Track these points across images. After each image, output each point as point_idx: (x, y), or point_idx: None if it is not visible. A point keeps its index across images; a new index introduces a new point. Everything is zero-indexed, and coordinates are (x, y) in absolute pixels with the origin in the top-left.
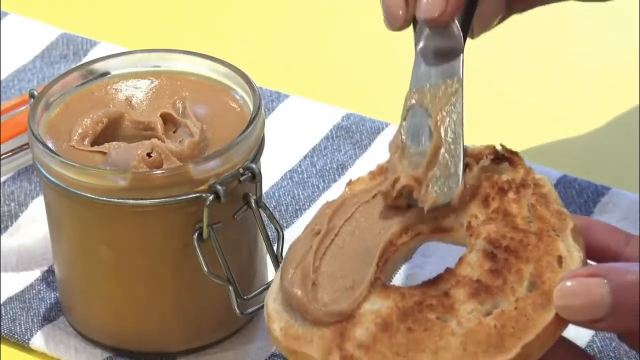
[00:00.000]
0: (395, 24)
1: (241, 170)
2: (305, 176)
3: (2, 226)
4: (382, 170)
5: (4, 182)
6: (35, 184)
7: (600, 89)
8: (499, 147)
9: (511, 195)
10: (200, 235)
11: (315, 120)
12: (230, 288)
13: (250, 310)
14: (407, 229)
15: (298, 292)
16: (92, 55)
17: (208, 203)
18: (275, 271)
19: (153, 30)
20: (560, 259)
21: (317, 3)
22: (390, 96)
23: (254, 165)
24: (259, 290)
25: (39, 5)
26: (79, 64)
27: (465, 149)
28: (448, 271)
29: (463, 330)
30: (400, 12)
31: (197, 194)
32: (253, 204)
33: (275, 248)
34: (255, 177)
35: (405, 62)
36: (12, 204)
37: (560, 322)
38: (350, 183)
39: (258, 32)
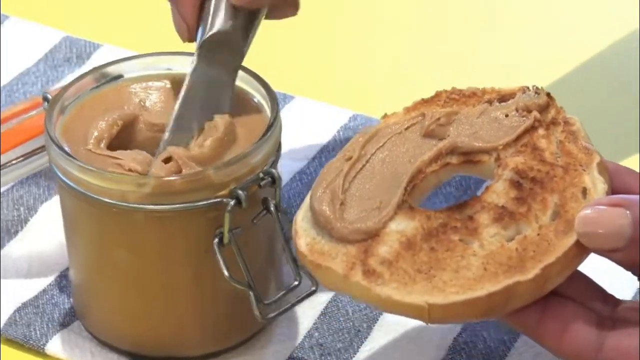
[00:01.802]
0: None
1: (261, 175)
2: (315, 178)
3: (12, 231)
4: (416, 106)
5: (13, 186)
6: (43, 188)
7: (610, 85)
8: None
9: (541, 131)
10: (221, 240)
11: (322, 122)
12: (251, 293)
13: (271, 315)
14: (437, 158)
15: (326, 210)
16: (95, 57)
17: (229, 208)
18: (294, 275)
19: (156, 32)
20: (584, 191)
21: (322, 4)
22: (396, 97)
23: (274, 170)
24: (280, 295)
25: (41, 8)
26: (84, 65)
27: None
28: (474, 198)
29: (485, 252)
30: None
31: (218, 199)
32: (272, 208)
33: (294, 251)
34: (275, 181)
35: (412, 63)
36: (22, 209)
37: (581, 249)
38: (385, 116)
39: (262, 33)
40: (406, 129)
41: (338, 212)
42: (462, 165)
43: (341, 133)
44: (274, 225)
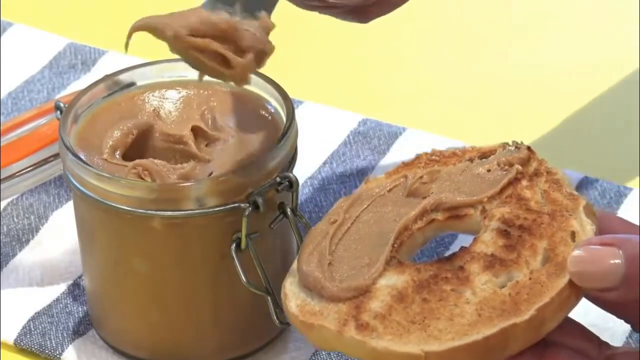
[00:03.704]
0: None
1: (278, 180)
2: (326, 183)
3: (23, 240)
4: (398, 170)
5: (23, 195)
6: (53, 196)
7: (622, 87)
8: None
9: (524, 182)
10: (238, 245)
11: (332, 127)
12: (269, 298)
13: (288, 320)
14: (422, 214)
15: (314, 271)
16: (100, 64)
17: (247, 213)
18: None
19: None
20: (573, 235)
21: None
22: (406, 100)
23: (291, 174)
24: None
25: (45, 15)
26: (89, 72)
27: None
28: (463, 249)
29: (477, 299)
30: None
31: (236, 204)
32: (289, 213)
33: None
34: (292, 185)
35: (422, 66)
36: (32, 217)
37: (574, 289)
38: (367, 181)
39: (270, 37)
40: (389, 190)
41: (327, 272)
42: (448, 221)
43: (351, 137)
44: (289, 230)
